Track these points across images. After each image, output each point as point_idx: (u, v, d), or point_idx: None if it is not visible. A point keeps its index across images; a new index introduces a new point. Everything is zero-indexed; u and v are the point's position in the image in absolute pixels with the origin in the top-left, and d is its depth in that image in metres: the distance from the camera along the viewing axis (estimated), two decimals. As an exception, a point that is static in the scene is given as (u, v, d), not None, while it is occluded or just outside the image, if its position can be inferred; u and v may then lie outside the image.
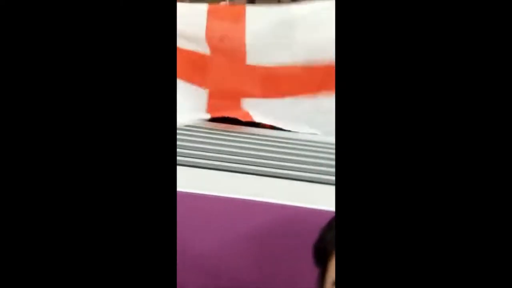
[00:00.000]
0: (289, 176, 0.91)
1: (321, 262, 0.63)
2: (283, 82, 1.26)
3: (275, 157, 0.95)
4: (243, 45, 1.23)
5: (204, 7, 1.25)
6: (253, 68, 1.25)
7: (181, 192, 0.77)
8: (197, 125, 1.10)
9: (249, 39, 1.23)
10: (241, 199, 0.84)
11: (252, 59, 1.24)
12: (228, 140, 1.03)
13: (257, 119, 1.21)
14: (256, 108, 1.24)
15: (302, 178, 0.90)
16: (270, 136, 1.08)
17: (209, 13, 1.25)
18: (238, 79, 1.25)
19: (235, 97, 1.26)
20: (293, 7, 1.32)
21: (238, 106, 1.24)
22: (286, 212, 0.83)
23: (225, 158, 0.94)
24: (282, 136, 1.11)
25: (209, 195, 0.85)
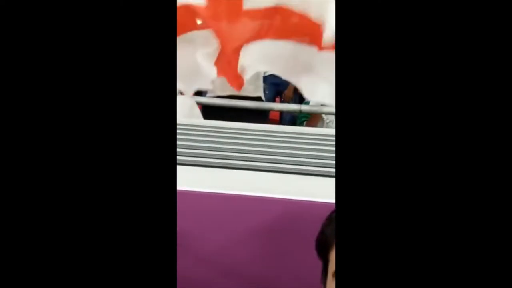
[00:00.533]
0: (290, 170, 0.91)
1: (323, 255, 0.64)
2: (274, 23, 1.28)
3: (274, 152, 0.95)
4: None
5: None
6: (251, 12, 1.27)
7: (186, 191, 0.78)
8: (193, 124, 1.10)
9: None
10: (244, 195, 0.84)
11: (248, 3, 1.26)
12: (226, 137, 1.03)
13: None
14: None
15: (303, 172, 0.91)
16: (268, 131, 1.08)
17: None
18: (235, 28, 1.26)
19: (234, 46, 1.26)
20: None
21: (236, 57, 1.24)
22: (290, 206, 0.83)
23: (224, 155, 0.94)
24: (281, 130, 1.11)
25: (213, 193, 0.85)
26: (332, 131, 1.24)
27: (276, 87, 2.54)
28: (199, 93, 1.58)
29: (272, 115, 2.47)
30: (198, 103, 1.42)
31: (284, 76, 1.44)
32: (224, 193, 0.84)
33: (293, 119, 2.39)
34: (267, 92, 2.07)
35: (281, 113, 2.66)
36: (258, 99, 1.47)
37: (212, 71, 1.29)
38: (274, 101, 2.57)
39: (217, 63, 1.30)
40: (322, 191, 0.82)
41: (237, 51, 1.27)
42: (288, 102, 2.60)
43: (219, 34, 1.28)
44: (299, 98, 2.26)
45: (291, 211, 0.83)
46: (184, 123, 1.05)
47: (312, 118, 2.00)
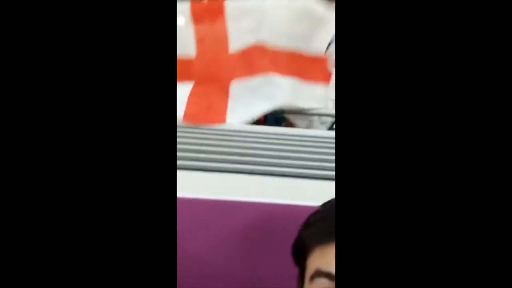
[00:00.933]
0: (271, 173, 0.91)
1: (300, 260, 0.62)
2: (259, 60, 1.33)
3: (252, 153, 0.95)
4: (226, 41, 1.30)
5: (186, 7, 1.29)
6: (237, 54, 1.32)
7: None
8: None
9: (230, 33, 1.30)
10: (224, 200, 0.84)
11: (234, 47, 1.31)
12: (206, 138, 1.02)
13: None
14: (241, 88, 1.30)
15: (285, 174, 0.91)
16: (246, 131, 1.08)
17: (192, 15, 1.30)
18: (225, 68, 1.31)
19: (223, 83, 1.30)
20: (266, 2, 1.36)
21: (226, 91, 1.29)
22: (271, 209, 0.83)
23: (202, 157, 0.94)
24: (258, 130, 1.11)
25: (193, 198, 0.85)
26: (310, 131, 1.26)
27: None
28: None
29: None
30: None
31: None
32: (203, 198, 0.84)
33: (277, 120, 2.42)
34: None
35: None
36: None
37: None
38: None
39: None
40: (302, 193, 0.82)
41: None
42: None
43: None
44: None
45: (274, 215, 0.83)
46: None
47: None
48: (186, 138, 0.98)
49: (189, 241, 0.84)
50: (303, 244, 0.61)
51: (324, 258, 0.57)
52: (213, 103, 1.28)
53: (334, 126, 1.71)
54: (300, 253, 0.61)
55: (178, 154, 0.91)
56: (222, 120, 1.25)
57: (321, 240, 0.58)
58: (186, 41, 1.25)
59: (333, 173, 0.89)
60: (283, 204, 0.81)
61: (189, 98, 1.26)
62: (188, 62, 1.26)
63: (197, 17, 1.32)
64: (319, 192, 0.77)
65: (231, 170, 0.90)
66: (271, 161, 0.92)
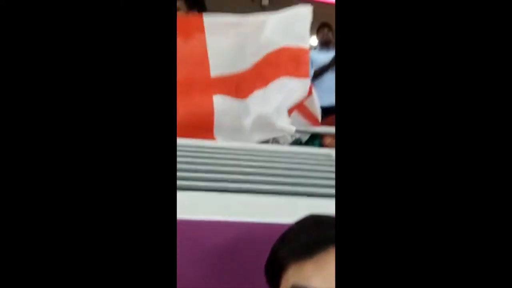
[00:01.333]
0: (247, 190, 0.89)
1: (274, 278, 0.61)
2: (242, 85, 1.37)
3: (223, 170, 0.92)
4: (207, 64, 1.33)
5: None
6: (218, 80, 1.35)
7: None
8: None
9: (211, 54, 1.34)
10: (197, 220, 0.81)
11: (215, 71, 1.34)
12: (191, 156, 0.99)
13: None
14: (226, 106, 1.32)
15: (258, 191, 0.88)
16: (222, 148, 1.06)
17: None
18: (206, 89, 1.32)
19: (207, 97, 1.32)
20: (246, 19, 1.42)
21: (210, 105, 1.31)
22: (244, 229, 0.80)
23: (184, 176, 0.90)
24: (232, 147, 1.09)
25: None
26: (282, 147, 1.25)
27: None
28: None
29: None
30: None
31: None
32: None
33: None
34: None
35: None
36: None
37: None
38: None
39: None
40: (274, 211, 0.80)
41: None
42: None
43: None
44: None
45: (246, 234, 0.80)
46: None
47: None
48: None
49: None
50: (277, 261, 0.61)
51: (301, 274, 0.57)
52: (199, 119, 1.29)
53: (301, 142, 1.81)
54: (274, 270, 0.61)
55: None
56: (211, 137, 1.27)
57: (297, 257, 0.58)
58: None
59: (306, 189, 0.88)
60: (253, 223, 0.79)
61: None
62: None
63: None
64: (290, 209, 0.75)
65: (201, 188, 0.87)
66: (241, 177, 0.90)
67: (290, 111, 1.39)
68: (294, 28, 1.38)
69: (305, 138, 1.87)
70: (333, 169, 0.97)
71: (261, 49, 1.37)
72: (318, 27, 3.15)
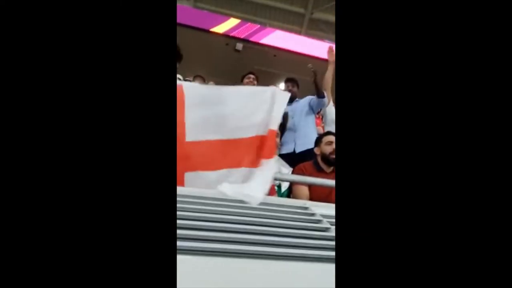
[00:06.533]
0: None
1: None
2: (216, 155, 1.39)
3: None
4: (183, 126, 1.33)
5: None
6: (193, 144, 1.35)
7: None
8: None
9: (188, 120, 1.34)
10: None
11: (190, 136, 1.35)
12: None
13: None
14: (196, 181, 1.33)
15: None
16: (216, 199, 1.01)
17: None
18: (180, 155, 1.29)
19: (179, 172, 1.31)
20: (224, 89, 1.43)
21: (181, 180, 1.31)
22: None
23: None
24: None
25: None
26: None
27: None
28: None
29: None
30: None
31: None
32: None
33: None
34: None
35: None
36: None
37: None
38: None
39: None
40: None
41: None
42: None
43: None
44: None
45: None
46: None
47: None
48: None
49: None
50: None
51: None
52: None
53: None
54: None
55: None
56: None
57: None
58: None
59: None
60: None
61: None
62: None
63: None
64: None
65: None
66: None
67: None
68: (272, 109, 1.41)
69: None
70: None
71: (238, 128, 1.39)
72: (285, 80, 3.25)
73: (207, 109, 1.39)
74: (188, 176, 1.33)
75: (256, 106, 1.43)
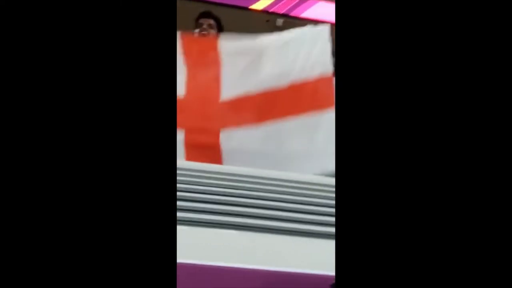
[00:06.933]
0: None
1: None
2: (252, 110, 1.39)
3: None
4: (218, 86, 1.34)
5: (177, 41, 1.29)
6: (227, 103, 1.36)
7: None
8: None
9: (224, 78, 1.35)
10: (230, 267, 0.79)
11: (225, 94, 1.36)
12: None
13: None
14: (232, 139, 1.33)
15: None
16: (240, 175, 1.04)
17: (183, 45, 1.33)
18: (214, 116, 1.36)
19: (213, 132, 1.34)
20: (262, 39, 1.42)
21: (217, 139, 1.32)
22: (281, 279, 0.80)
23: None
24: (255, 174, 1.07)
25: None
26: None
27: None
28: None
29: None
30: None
31: None
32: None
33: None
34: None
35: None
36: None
37: None
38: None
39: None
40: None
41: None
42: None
43: None
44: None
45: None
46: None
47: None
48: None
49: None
50: None
51: None
52: (208, 154, 1.32)
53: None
54: None
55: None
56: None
57: None
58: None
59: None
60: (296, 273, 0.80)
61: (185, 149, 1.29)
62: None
63: (188, 51, 1.32)
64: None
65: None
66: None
67: None
68: (315, 54, 1.35)
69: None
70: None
71: (280, 77, 1.37)
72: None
73: (244, 60, 1.38)
74: (223, 134, 1.35)
75: (296, 51, 1.39)
